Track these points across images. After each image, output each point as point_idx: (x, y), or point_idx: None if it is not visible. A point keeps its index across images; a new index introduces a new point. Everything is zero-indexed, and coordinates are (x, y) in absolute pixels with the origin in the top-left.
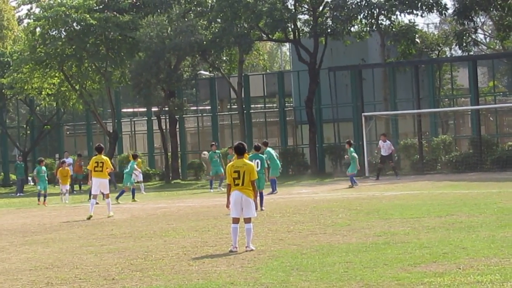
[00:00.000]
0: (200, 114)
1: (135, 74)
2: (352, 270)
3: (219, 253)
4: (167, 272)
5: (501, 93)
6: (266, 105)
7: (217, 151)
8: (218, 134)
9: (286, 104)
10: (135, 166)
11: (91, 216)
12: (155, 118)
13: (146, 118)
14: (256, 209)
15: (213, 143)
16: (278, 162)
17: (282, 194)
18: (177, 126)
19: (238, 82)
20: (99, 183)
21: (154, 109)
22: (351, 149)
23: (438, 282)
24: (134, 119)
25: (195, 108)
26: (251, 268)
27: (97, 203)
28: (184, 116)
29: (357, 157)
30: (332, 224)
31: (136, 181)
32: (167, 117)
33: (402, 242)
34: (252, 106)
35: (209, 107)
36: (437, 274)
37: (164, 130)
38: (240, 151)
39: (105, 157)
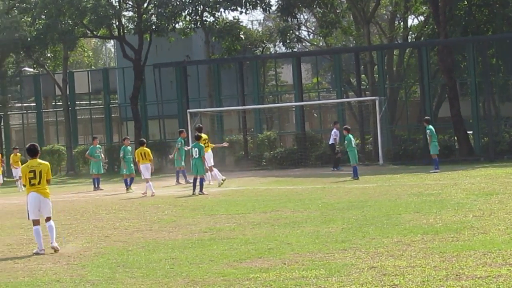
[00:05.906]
0: (25, 111)
1: None
2: (178, 267)
3: (44, 251)
4: None
5: (325, 90)
6: (91, 102)
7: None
8: (43, 131)
9: (111, 101)
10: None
11: None
12: None
13: None
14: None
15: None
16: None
17: (108, 191)
18: (2, 123)
19: (63, 79)
20: None
21: None
22: (430, 126)
23: (264, 277)
24: None
25: (20, 105)
26: (77, 265)
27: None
28: (8, 113)
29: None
30: (158, 220)
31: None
32: None
33: (228, 238)
34: (77, 103)
35: (34, 104)
36: (262, 270)
37: None
38: (31, 153)
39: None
